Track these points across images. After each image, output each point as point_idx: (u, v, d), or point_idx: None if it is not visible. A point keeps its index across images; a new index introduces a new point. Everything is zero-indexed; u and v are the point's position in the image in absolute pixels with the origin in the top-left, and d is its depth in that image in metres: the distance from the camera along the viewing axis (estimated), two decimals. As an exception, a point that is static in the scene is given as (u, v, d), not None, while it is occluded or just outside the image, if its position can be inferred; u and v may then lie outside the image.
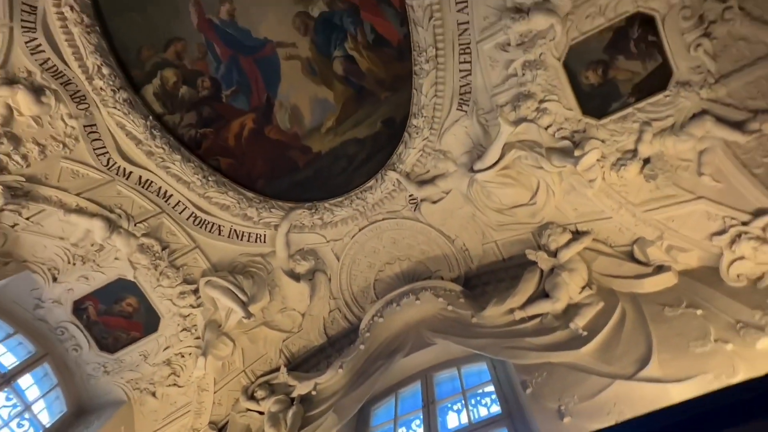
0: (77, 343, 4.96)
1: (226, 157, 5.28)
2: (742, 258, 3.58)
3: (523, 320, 4.31)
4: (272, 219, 5.36)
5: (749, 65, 3.72)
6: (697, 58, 3.75)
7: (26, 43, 4.24)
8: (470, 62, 4.49)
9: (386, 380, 4.75)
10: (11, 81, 4.21)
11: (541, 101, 4.21)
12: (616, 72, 4.01)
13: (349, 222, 5.51)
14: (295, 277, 5.51)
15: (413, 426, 4.27)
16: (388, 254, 5.70)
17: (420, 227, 5.49)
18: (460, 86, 4.65)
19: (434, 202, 5.29)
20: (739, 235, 3.62)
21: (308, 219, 5.44)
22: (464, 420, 4.07)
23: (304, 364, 5.65)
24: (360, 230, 5.57)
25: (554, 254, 4.58)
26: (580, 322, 3.92)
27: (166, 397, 5.07)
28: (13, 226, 4.39)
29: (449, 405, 4.30)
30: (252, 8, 4.88)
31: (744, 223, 3.63)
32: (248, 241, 5.42)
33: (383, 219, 5.51)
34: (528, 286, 4.51)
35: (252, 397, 5.16)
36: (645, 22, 3.81)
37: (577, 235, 4.60)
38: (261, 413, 5.04)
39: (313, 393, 4.83)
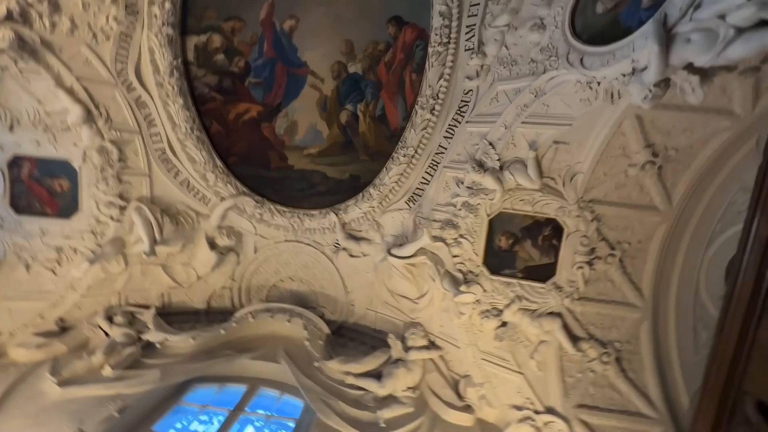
0: (-6, 188, 4.56)
1: (219, 124, 5.21)
2: (519, 436, 3.78)
3: (351, 386, 4.31)
4: (223, 191, 5.25)
5: (605, 302, 4.10)
6: (575, 275, 4.09)
7: (118, -55, 4.17)
8: (432, 176, 4.74)
9: (222, 369, 4.57)
10: (84, -35, 4.09)
11: (461, 236, 4.43)
12: (520, 249, 4.30)
13: (281, 230, 5.48)
14: (212, 245, 5.35)
15: (215, 419, 4.08)
16: (295, 272, 5.66)
17: (330, 267, 5.52)
18: (416, 188, 4.86)
19: (351, 256, 5.37)
20: (527, 418, 3.83)
21: (251, 209, 5.37)
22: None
23: (173, 316, 5.33)
24: (285, 241, 5.54)
25: (407, 349, 4.68)
26: (386, 414, 3.97)
27: (37, 276, 4.66)
28: (4, 68, 4.11)
29: (253, 419, 4.15)
30: (309, 36, 5.02)
31: (536, 412, 3.86)
32: (194, 196, 5.26)
33: (308, 244, 5.52)
34: (373, 362, 4.55)
35: (109, 318, 4.83)
36: (556, 229, 4.15)
37: (432, 345, 4.74)
38: (107, 335, 4.70)
39: (159, 345, 4.57)
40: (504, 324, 4.27)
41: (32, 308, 4.65)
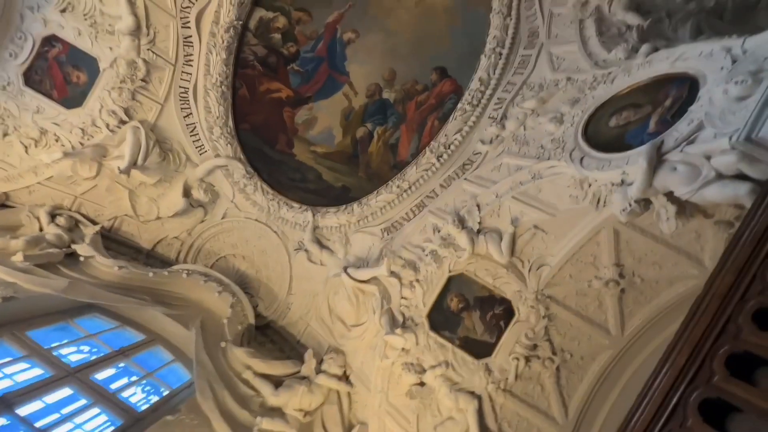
0: (18, 54, 4.67)
1: (248, 90, 5.42)
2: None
3: (246, 383, 4.02)
4: (221, 150, 5.31)
5: (528, 405, 3.91)
6: (509, 364, 3.94)
7: None
8: (414, 215, 4.78)
9: (130, 311, 4.32)
10: None
11: (417, 281, 4.35)
12: (467, 316, 4.20)
13: (256, 208, 5.45)
14: (187, 193, 5.31)
15: (92, 356, 3.74)
16: (251, 253, 5.54)
17: (285, 262, 5.40)
18: (396, 221, 4.89)
19: (309, 260, 5.27)
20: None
21: (239, 176, 5.38)
22: (118, 387, 3.56)
23: (114, 243, 5.16)
24: (255, 220, 5.49)
25: (319, 372, 4.41)
26: (265, 424, 3.66)
27: (8, 145, 4.61)
28: (84, -41, 4.42)
29: (132, 371, 3.82)
30: (362, 52, 5.37)
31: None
32: (194, 141, 5.33)
33: (274, 231, 5.45)
34: (280, 368, 4.30)
35: (52, 216, 4.68)
36: (508, 311, 4.07)
37: (345, 379, 4.47)
38: (41, 230, 4.53)
39: (82, 259, 4.36)
40: (422, 384, 4.05)
41: (-13, 173, 4.54)
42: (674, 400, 1.80)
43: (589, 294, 3.80)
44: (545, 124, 3.94)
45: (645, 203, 2.83)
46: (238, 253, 5.55)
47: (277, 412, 3.85)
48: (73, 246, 4.49)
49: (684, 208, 2.69)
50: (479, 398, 3.89)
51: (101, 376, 3.50)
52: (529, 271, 3.93)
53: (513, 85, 4.50)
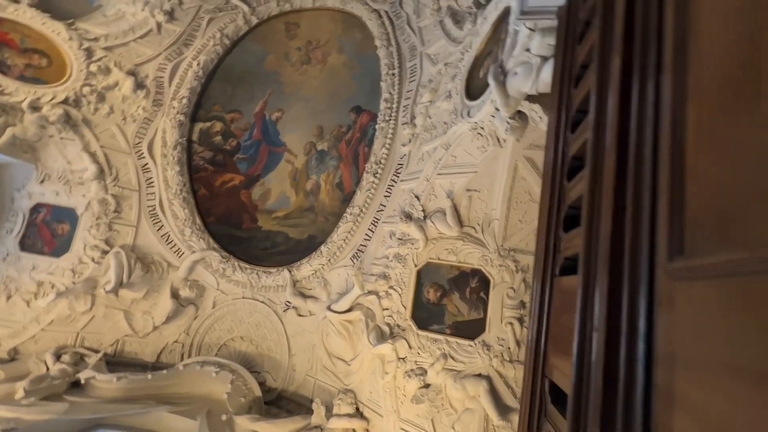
0: (12, 229, 5.50)
1: (206, 189, 6.10)
2: None
3: (254, 449, 3.83)
4: (195, 245, 5.78)
5: (542, 367, 3.59)
6: (505, 332, 3.75)
7: (160, 63, 5.83)
8: (373, 233, 4.96)
9: (135, 420, 4.33)
10: (132, 74, 5.70)
11: (391, 287, 4.37)
12: (448, 302, 4.10)
13: (240, 287, 5.70)
14: (175, 295, 5.65)
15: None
16: (247, 331, 5.63)
17: (279, 328, 5.45)
18: (360, 244, 5.06)
19: (299, 315, 5.33)
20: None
21: (216, 263, 5.76)
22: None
23: (120, 367, 5.35)
24: (243, 298, 5.69)
25: (331, 416, 4.18)
26: (276, 481, 3.40)
27: (12, 305, 5.14)
28: (51, 136, 5.46)
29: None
30: (290, 123, 6.15)
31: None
32: (171, 248, 5.83)
33: (262, 302, 5.61)
34: (289, 425, 4.12)
35: (57, 356, 4.99)
36: (483, 281, 4.00)
37: (358, 414, 4.20)
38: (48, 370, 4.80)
39: (83, 382, 4.54)
40: (428, 385, 3.80)
41: (-6, 334, 5.00)
42: (552, 239, 1.81)
43: (545, 231, 3.76)
44: (441, 105, 4.35)
45: (520, 116, 3.04)
46: (236, 335, 5.65)
47: (289, 469, 3.59)
48: (79, 374, 4.70)
49: (542, 102, 2.89)
50: (488, 378, 3.61)
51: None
52: (483, 232, 3.97)
53: (411, 91, 5.04)
